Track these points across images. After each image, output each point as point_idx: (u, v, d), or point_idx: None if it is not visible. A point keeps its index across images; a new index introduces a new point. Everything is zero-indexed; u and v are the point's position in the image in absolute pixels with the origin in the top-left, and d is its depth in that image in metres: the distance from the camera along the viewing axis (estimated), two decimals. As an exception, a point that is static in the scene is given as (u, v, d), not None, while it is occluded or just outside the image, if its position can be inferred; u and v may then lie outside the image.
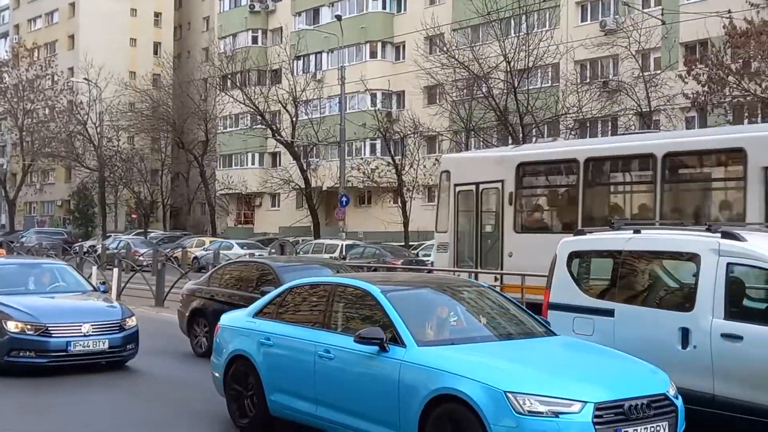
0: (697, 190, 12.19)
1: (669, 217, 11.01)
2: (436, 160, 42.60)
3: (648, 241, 7.88)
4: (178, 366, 11.84)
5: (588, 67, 37.96)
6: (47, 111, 60.94)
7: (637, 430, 5.80)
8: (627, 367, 6.49)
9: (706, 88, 26.66)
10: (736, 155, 11.02)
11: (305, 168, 42.46)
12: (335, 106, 43.97)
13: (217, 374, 8.26)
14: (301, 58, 48.13)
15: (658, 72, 32.60)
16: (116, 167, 55.09)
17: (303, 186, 42.52)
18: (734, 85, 25.80)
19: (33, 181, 69.10)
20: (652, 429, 5.89)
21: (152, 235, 49.51)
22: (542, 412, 5.61)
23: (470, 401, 5.79)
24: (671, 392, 6.23)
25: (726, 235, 7.16)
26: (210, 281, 12.97)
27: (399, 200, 39.93)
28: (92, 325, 10.77)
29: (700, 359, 6.98)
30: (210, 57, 50.76)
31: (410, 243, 37.63)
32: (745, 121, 26.27)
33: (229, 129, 55.01)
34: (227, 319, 8.53)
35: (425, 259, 30.65)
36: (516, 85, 31.91)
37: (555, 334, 7.17)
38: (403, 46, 46.53)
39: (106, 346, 10.83)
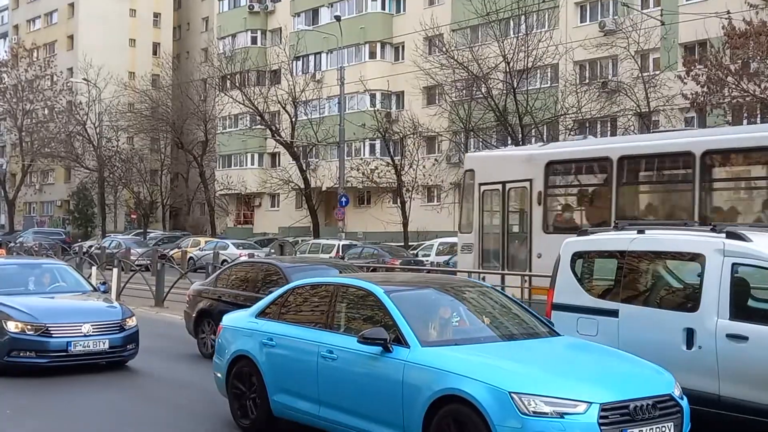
0: (737, 189, 11.84)
1: (708, 218, 10.66)
2: (435, 160, 42.81)
3: (652, 241, 7.86)
4: (178, 366, 11.82)
5: (587, 67, 37.99)
6: (46, 111, 60.94)
7: (642, 430, 5.78)
8: (632, 368, 6.46)
9: (705, 89, 26.67)
10: None
11: (305, 168, 42.48)
12: (334, 106, 43.98)
13: (219, 375, 8.24)
14: (301, 58, 48.14)
15: (657, 72, 32.64)
16: (116, 167, 55.09)
17: (302, 186, 42.54)
18: (733, 86, 25.81)
19: (32, 182, 69.07)
20: (658, 430, 5.87)
21: (152, 235, 49.51)
22: (547, 413, 5.59)
23: (475, 402, 5.77)
24: (676, 393, 6.20)
25: (731, 235, 7.15)
26: (217, 282, 12.86)
27: (398, 200, 39.95)
28: (92, 326, 10.76)
29: (705, 360, 6.96)
30: (209, 57, 50.76)
31: (410, 243, 37.65)
32: (744, 121, 26.28)
33: (228, 129, 55.01)
34: (229, 319, 8.51)
35: (424, 259, 30.72)
36: (515, 85, 31.93)
37: (559, 335, 7.14)
38: (403, 47, 46.55)
39: (107, 346, 10.82)
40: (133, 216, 60.73)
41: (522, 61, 32.07)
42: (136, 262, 30.42)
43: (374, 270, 18.32)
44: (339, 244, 33.59)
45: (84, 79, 54.34)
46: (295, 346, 7.41)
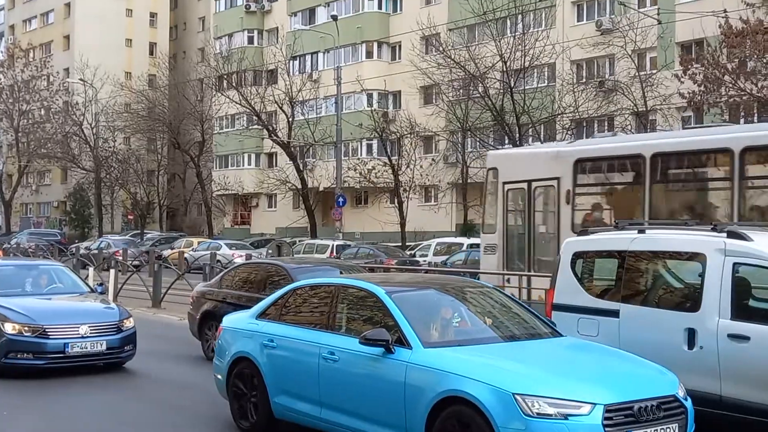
0: None
1: (747, 217, 10.43)
2: (433, 160, 42.83)
3: (653, 241, 7.84)
4: (176, 367, 11.79)
5: (584, 66, 38.02)
6: (43, 112, 60.79)
7: None
8: (636, 369, 6.43)
9: (702, 88, 26.70)
10: None
11: (302, 168, 42.45)
12: (331, 106, 43.97)
13: (219, 376, 8.20)
14: (297, 58, 48.12)
15: (654, 72, 32.64)
16: (112, 168, 55.00)
17: (300, 186, 42.50)
18: (730, 85, 25.83)
19: (29, 183, 68.93)
20: (663, 431, 5.85)
21: (149, 236, 49.43)
22: (551, 415, 5.57)
23: (478, 403, 5.75)
24: (681, 394, 6.18)
25: (732, 234, 7.13)
26: (222, 283, 12.71)
27: (396, 200, 39.94)
28: (90, 327, 10.73)
29: (706, 360, 6.94)
30: (206, 57, 50.77)
31: (407, 243, 37.64)
32: (741, 120, 26.30)
33: (225, 129, 54.96)
34: (230, 320, 8.47)
35: (421, 259, 30.72)
36: (512, 84, 31.95)
37: (561, 335, 7.12)
38: (399, 46, 46.55)
39: (104, 347, 10.79)
40: (130, 217, 60.65)
41: (519, 61, 32.08)
42: (133, 263, 30.36)
43: (371, 270, 18.31)
44: (333, 245, 33.62)
45: (80, 80, 54.27)
46: (296, 347, 7.38)
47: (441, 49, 36.47)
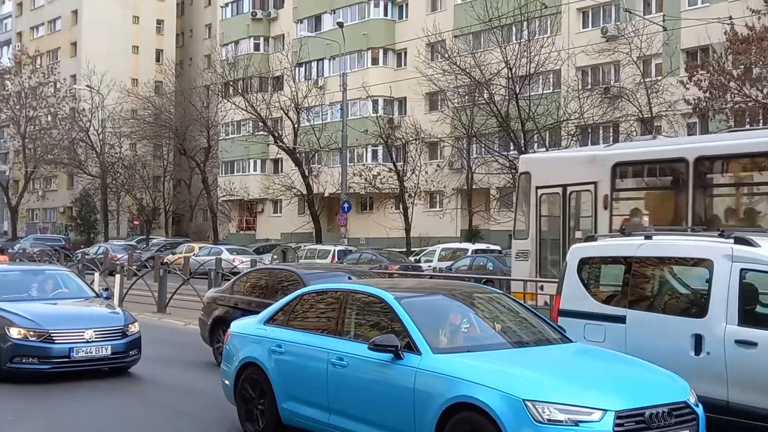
0: None
1: None
2: (438, 166, 42.88)
3: (659, 247, 7.84)
4: (181, 373, 11.78)
5: (589, 73, 38.04)
6: (50, 118, 61.04)
7: None
8: (646, 375, 6.38)
9: (707, 94, 26.69)
10: None
11: (307, 174, 42.53)
12: (337, 112, 44.04)
13: (227, 382, 8.18)
14: (303, 64, 48.22)
15: (660, 78, 32.65)
16: (118, 174, 55.14)
17: (305, 192, 42.58)
18: (736, 91, 25.83)
19: (35, 188, 69.16)
20: None
21: (154, 241, 49.54)
22: (562, 421, 5.52)
23: (488, 410, 5.71)
24: (692, 400, 6.13)
25: (739, 240, 7.13)
26: (233, 289, 12.62)
27: (401, 206, 39.97)
28: (95, 331, 10.73)
29: (713, 366, 6.93)
30: (212, 64, 50.94)
31: (412, 249, 37.65)
32: (747, 126, 26.25)
33: (231, 135, 55.07)
34: (237, 326, 8.46)
35: (426, 265, 30.72)
36: (517, 91, 31.98)
37: (570, 341, 7.08)
38: (405, 53, 46.62)
39: (109, 352, 10.79)
40: (135, 222, 60.77)
41: (524, 67, 32.14)
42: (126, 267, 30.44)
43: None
44: (334, 250, 33.68)
45: (87, 86, 54.48)
46: (305, 353, 7.36)
47: (446, 55, 36.56)
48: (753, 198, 11.74)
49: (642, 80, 31.44)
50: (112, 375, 11.03)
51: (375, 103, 46.60)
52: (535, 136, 33.28)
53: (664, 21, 32.76)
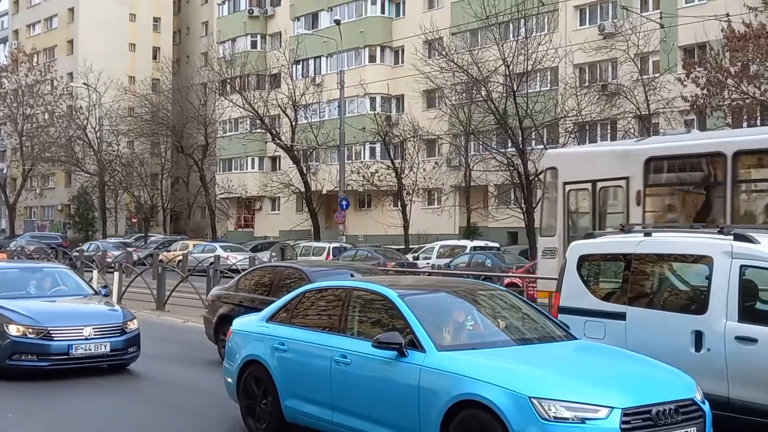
0: None
1: None
2: (436, 163, 42.91)
3: (659, 244, 7.87)
4: (180, 370, 11.77)
5: (587, 70, 38.06)
6: (47, 116, 60.99)
7: None
8: (652, 372, 6.35)
9: (705, 91, 26.72)
10: None
11: (305, 172, 42.53)
12: (334, 110, 44.04)
13: (229, 379, 8.16)
14: (300, 62, 48.20)
15: (657, 75, 32.68)
16: (116, 171, 55.11)
17: (303, 190, 42.58)
18: (733, 88, 25.86)
19: (33, 186, 69.12)
20: None
21: (152, 239, 49.51)
22: (568, 418, 5.50)
23: (494, 407, 5.68)
24: (698, 397, 6.11)
25: (739, 237, 7.16)
26: (238, 286, 12.56)
27: (399, 203, 39.98)
28: (94, 328, 10.73)
29: (714, 362, 6.96)
30: (209, 61, 50.80)
31: (411, 246, 37.69)
32: (744, 124, 26.31)
33: (228, 133, 55.06)
34: (240, 323, 8.43)
35: (423, 262, 30.74)
36: (515, 88, 32.00)
37: (575, 338, 7.07)
38: (402, 50, 46.63)
39: (108, 349, 10.79)
40: (133, 220, 60.75)
41: (522, 65, 32.16)
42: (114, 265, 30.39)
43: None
44: (329, 247, 33.70)
45: (84, 84, 54.40)
46: (308, 350, 7.34)
47: (444, 53, 36.55)
48: None
49: (639, 77, 31.48)
50: (111, 372, 11.04)
51: (372, 100, 46.61)
52: (533, 134, 33.30)
53: (661, 18, 32.79)
